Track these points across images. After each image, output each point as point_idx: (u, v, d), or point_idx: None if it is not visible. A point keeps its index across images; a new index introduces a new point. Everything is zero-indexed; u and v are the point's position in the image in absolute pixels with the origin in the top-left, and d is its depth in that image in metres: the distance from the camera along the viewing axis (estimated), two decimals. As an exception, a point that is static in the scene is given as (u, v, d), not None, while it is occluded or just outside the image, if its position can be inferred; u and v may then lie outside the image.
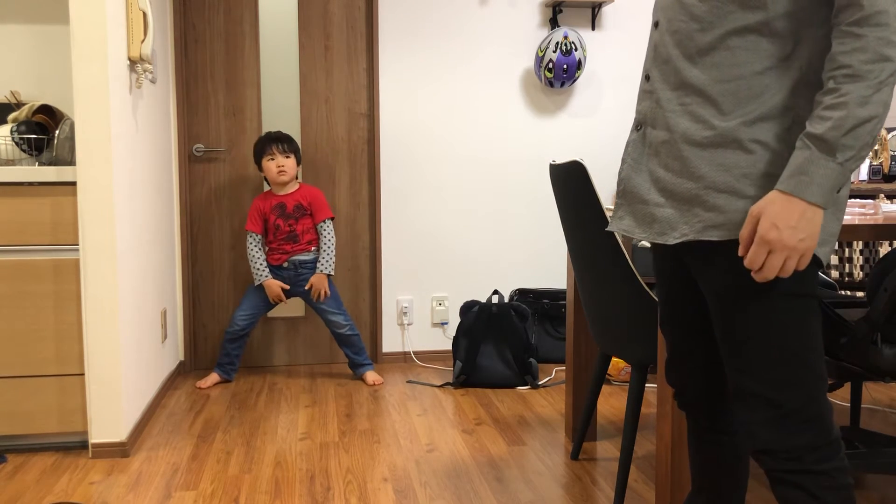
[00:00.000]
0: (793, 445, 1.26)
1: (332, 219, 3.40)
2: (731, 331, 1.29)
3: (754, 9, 1.23)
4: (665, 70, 1.34)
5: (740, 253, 1.22)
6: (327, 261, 3.35)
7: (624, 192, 1.42)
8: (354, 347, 3.42)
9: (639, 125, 1.41)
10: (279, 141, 3.31)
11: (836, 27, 1.17)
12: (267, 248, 3.39)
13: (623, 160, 1.44)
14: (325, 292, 3.34)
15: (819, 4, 1.22)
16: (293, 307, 3.70)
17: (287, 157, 3.31)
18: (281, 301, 3.37)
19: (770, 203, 1.17)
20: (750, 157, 1.24)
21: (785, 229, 1.15)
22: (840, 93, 1.14)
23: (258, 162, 3.35)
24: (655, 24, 1.39)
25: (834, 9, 1.18)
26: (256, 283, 3.34)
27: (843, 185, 1.18)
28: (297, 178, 3.41)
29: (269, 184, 3.40)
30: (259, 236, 3.36)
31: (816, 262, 1.26)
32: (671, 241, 1.32)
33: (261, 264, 3.34)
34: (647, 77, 1.39)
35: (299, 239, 3.35)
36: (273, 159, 3.30)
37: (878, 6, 1.12)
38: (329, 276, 3.36)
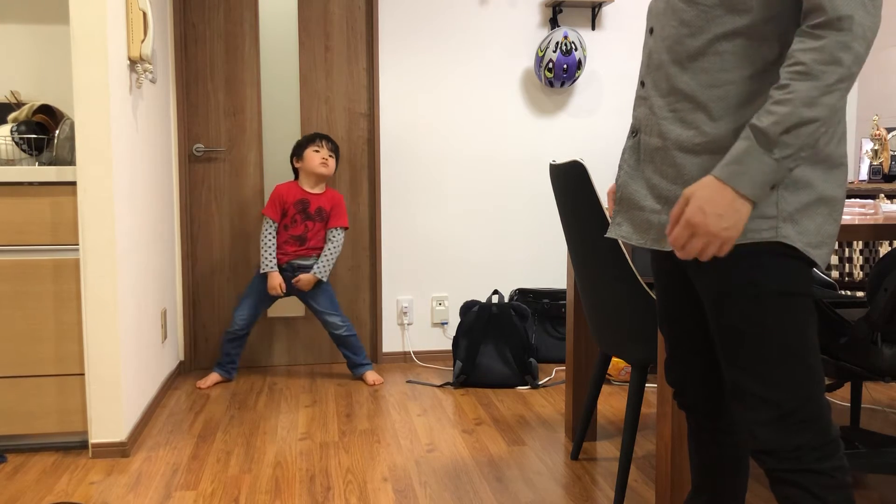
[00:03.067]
0: (792, 445, 1.26)
1: (346, 229, 3.42)
2: (726, 331, 1.29)
3: (741, 12, 1.23)
4: (657, 76, 1.34)
5: (666, 231, 1.22)
6: (325, 266, 3.34)
7: (621, 198, 1.43)
8: (353, 348, 3.41)
9: (634, 131, 1.41)
10: (329, 140, 3.38)
11: (799, 28, 1.17)
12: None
13: (620, 166, 1.44)
14: (306, 287, 3.33)
15: (801, 8, 1.22)
16: (293, 307, 3.70)
17: (331, 155, 3.37)
18: (277, 295, 3.37)
19: (703, 187, 1.17)
20: None
21: (711, 215, 1.15)
22: (789, 89, 1.13)
23: (299, 153, 3.36)
24: (650, 31, 1.39)
25: (802, 12, 1.18)
26: (262, 270, 3.34)
27: (779, 182, 1.16)
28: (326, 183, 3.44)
29: (296, 176, 3.41)
30: (276, 224, 3.37)
31: (811, 263, 1.26)
32: (668, 248, 1.32)
33: (271, 253, 3.34)
34: (641, 83, 1.40)
35: (306, 242, 3.35)
36: (319, 151, 3.34)
37: (841, 11, 1.11)
38: (320, 280, 3.35)
